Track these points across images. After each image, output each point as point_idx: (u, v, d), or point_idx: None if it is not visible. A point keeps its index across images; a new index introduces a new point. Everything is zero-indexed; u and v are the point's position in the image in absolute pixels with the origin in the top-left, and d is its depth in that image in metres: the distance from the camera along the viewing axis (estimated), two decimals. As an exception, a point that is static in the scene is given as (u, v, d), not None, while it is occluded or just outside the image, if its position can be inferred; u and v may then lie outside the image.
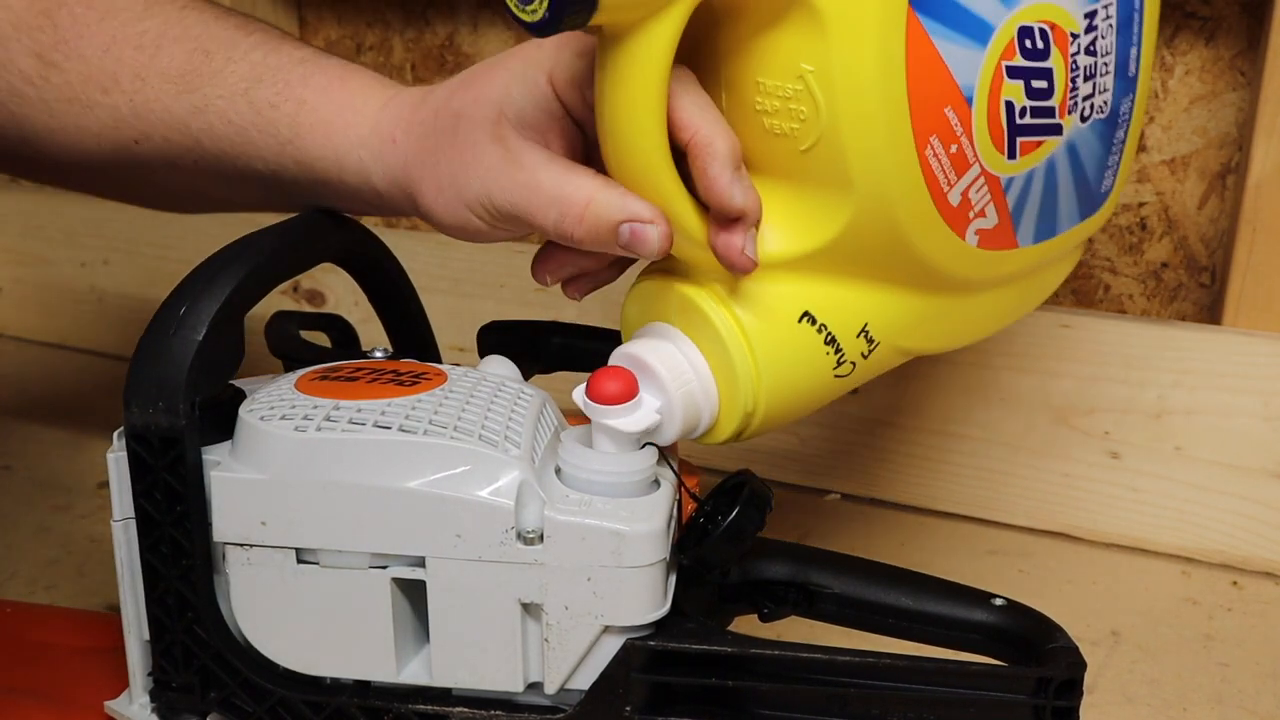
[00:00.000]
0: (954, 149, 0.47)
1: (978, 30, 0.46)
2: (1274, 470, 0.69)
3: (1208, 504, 0.70)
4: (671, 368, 0.48)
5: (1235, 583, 0.69)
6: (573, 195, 0.46)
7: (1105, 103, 0.52)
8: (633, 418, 0.46)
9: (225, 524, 0.45)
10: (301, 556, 0.45)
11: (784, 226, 0.48)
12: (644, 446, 0.47)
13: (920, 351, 0.55)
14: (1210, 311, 0.75)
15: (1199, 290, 0.75)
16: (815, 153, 0.46)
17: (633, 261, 0.51)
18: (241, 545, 0.45)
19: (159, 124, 0.55)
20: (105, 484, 0.48)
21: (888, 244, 0.49)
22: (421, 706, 0.47)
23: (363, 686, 0.47)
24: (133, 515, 0.46)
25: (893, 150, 0.46)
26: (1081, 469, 0.72)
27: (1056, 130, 0.51)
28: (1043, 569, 0.70)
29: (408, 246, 0.67)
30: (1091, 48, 0.50)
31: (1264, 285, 0.69)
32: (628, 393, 0.45)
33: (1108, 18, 0.51)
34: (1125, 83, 0.53)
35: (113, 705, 0.51)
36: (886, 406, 0.76)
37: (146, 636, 0.48)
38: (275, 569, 0.45)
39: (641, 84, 0.44)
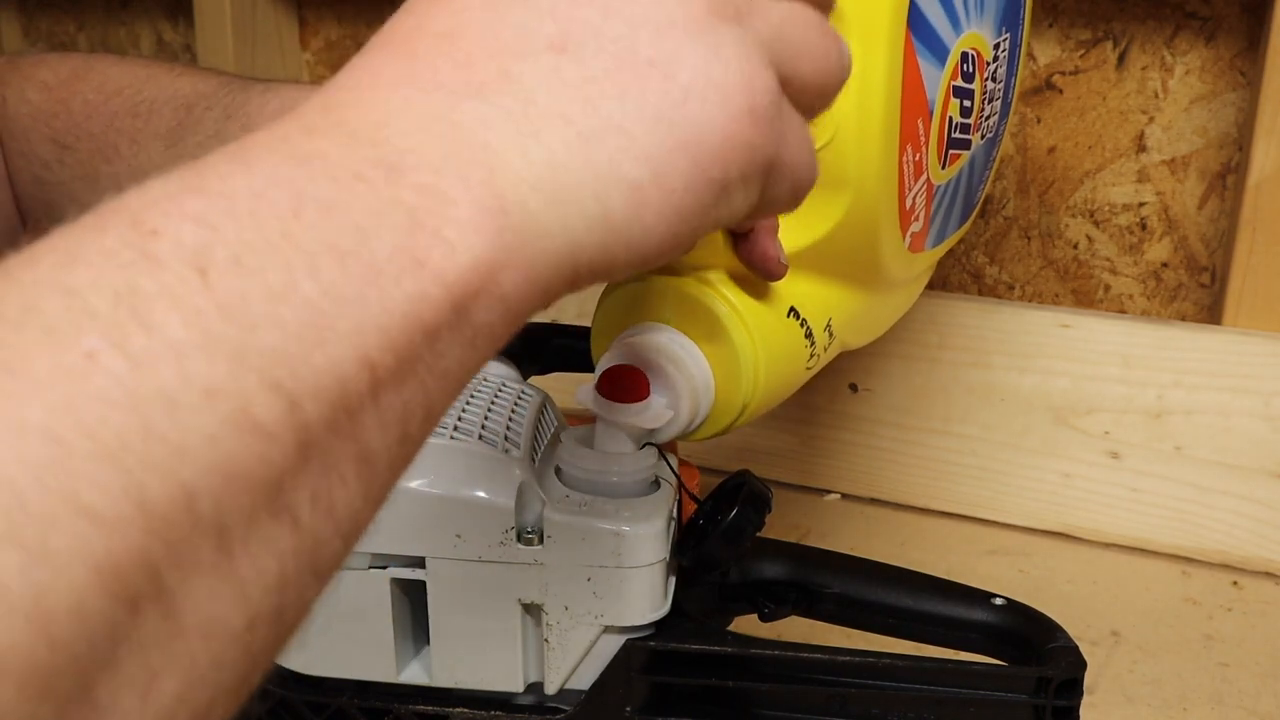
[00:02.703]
0: (917, 157, 0.51)
1: (941, 51, 0.51)
2: (1274, 470, 0.69)
3: (1208, 504, 0.70)
4: (677, 364, 0.48)
5: (1235, 583, 0.69)
6: None
7: (993, 124, 0.59)
8: (649, 414, 0.46)
9: (225, 524, 0.45)
10: (301, 556, 0.45)
11: (783, 225, 0.49)
12: (644, 446, 0.47)
13: (845, 347, 0.58)
14: (1210, 311, 0.75)
15: (1199, 290, 0.75)
16: (822, 155, 0.48)
17: None
18: (241, 545, 0.45)
19: None
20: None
21: (860, 242, 0.51)
22: (421, 706, 0.47)
23: (363, 686, 0.47)
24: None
25: (885, 155, 0.49)
26: (1081, 469, 0.72)
27: (969, 145, 0.56)
28: (1043, 569, 0.70)
29: (408, 246, 0.67)
30: (995, 75, 0.57)
31: (1264, 285, 0.68)
32: (642, 389, 0.46)
33: (1006, 49, 0.57)
34: (1005, 107, 0.60)
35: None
36: (886, 406, 0.76)
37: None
38: (275, 569, 0.45)
39: None
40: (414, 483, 0.44)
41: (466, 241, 0.24)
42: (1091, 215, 0.76)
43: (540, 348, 0.61)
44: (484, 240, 0.25)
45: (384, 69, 0.28)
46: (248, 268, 0.22)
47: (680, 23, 0.28)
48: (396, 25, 0.29)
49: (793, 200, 0.33)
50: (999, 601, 0.49)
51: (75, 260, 0.21)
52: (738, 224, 0.32)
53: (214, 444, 0.20)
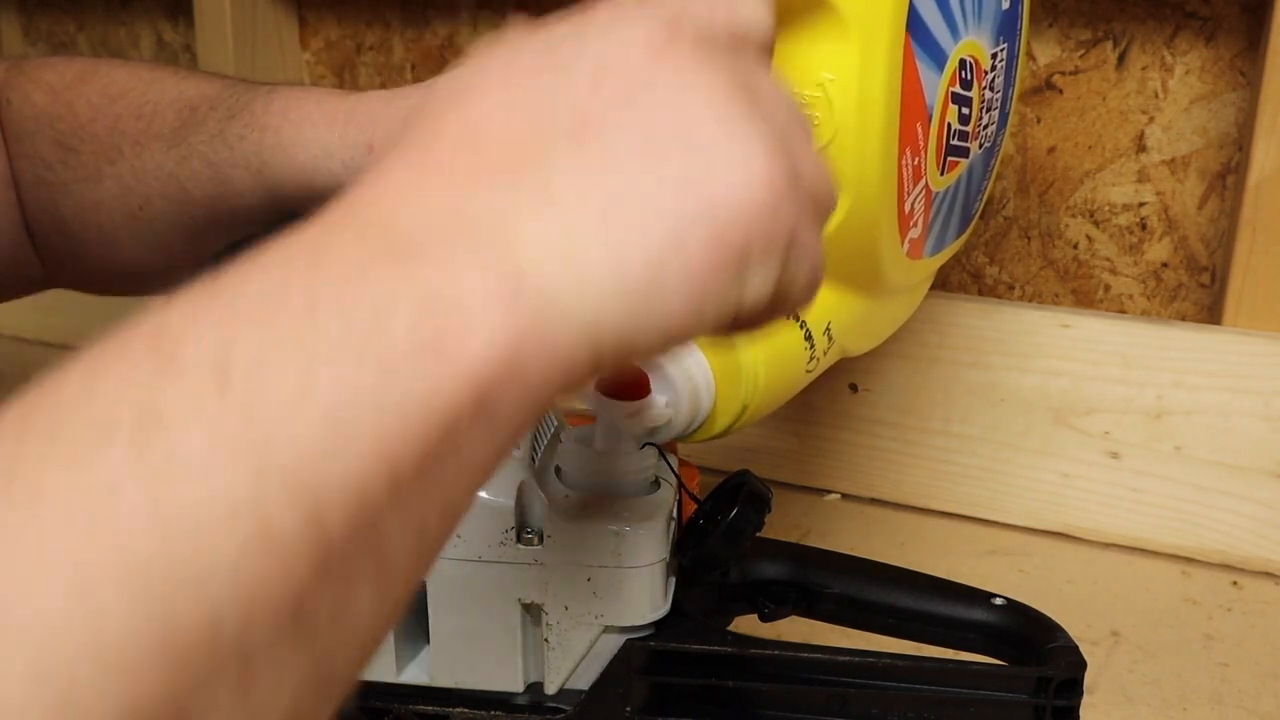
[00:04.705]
0: (916, 161, 0.51)
1: (939, 57, 0.51)
2: (1274, 470, 0.68)
3: (1208, 504, 0.70)
4: (677, 363, 0.48)
5: (1235, 583, 0.69)
6: None
7: (991, 134, 0.59)
8: (649, 412, 0.46)
9: (225, 524, 0.45)
10: (301, 556, 0.45)
11: None
12: (644, 446, 0.47)
13: (845, 353, 0.58)
14: (1210, 311, 0.74)
15: (1199, 290, 0.75)
16: (822, 155, 0.48)
17: None
18: (241, 545, 0.45)
19: (155, 183, 0.56)
20: (105, 484, 0.47)
21: (859, 245, 0.51)
22: (421, 706, 0.47)
23: (363, 686, 0.47)
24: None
25: (885, 157, 0.49)
26: (1081, 469, 0.72)
27: (967, 154, 0.56)
28: (1043, 569, 0.70)
29: (408, 246, 0.67)
30: (993, 84, 0.57)
31: (1264, 285, 0.68)
32: (642, 387, 0.46)
33: (1004, 59, 0.58)
34: (1003, 117, 0.61)
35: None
36: (886, 406, 0.76)
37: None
38: (275, 569, 0.45)
39: None
40: (414, 483, 0.44)
41: (482, 319, 0.24)
42: (1091, 215, 0.76)
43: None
44: (500, 318, 0.24)
45: (399, 165, 0.27)
46: (266, 373, 0.21)
47: (702, 103, 0.28)
48: (413, 128, 0.29)
49: (810, 285, 0.32)
50: (999, 601, 0.49)
51: (99, 375, 0.21)
52: (760, 315, 0.32)
53: (237, 566, 0.20)
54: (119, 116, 0.58)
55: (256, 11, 0.94)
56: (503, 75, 0.29)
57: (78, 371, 0.21)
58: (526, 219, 0.26)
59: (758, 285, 0.29)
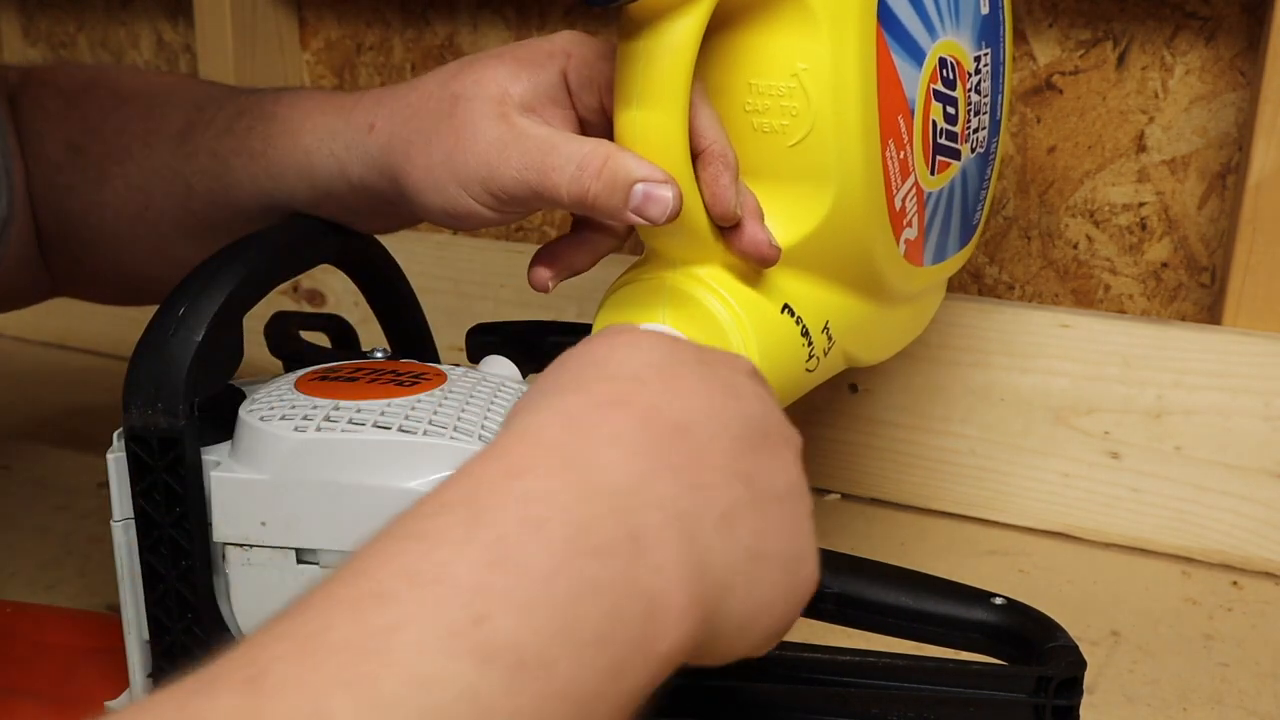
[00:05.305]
0: (902, 155, 0.52)
1: (916, 52, 0.52)
2: (1274, 470, 0.69)
3: (1208, 504, 0.70)
4: None
5: (1235, 583, 0.69)
6: (592, 151, 0.47)
7: (983, 139, 0.59)
8: None
9: (225, 524, 0.45)
10: (301, 556, 0.45)
11: (771, 221, 0.50)
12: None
13: (853, 360, 0.58)
14: (1210, 311, 0.75)
15: (1199, 290, 0.75)
16: (803, 146, 0.49)
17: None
18: (241, 545, 0.45)
19: (160, 182, 0.57)
20: (105, 484, 0.48)
21: (851, 240, 0.52)
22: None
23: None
24: (132, 516, 0.46)
25: (866, 146, 0.50)
26: (1081, 469, 0.72)
27: (957, 155, 0.56)
28: (1043, 569, 0.70)
29: (407, 247, 0.67)
30: (978, 88, 0.57)
31: (1264, 285, 0.68)
32: None
33: (988, 64, 0.58)
34: (994, 124, 0.61)
35: (113, 705, 0.51)
36: (886, 406, 0.76)
37: (146, 636, 0.48)
38: (275, 569, 0.45)
39: (672, 77, 0.45)
40: (413, 483, 0.44)
41: (679, 625, 0.30)
42: (1091, 215, 0.76)
43: (538, 346, 0.61)
44: (689, 625, 0.30)
45: (628, 435, 0.33)
46: (539, 671, 0.26)
47: (802, 504, 0.38)
48: (620, 379, 0.35)
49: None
50: (999, 601, 0.49)
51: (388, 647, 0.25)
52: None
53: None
54: (128, 118, 0.58)
55: (256, 11, 0.94)
56: (683, 375, 0.36)
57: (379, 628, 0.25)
58: (713, 540, 0.32)
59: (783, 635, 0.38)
